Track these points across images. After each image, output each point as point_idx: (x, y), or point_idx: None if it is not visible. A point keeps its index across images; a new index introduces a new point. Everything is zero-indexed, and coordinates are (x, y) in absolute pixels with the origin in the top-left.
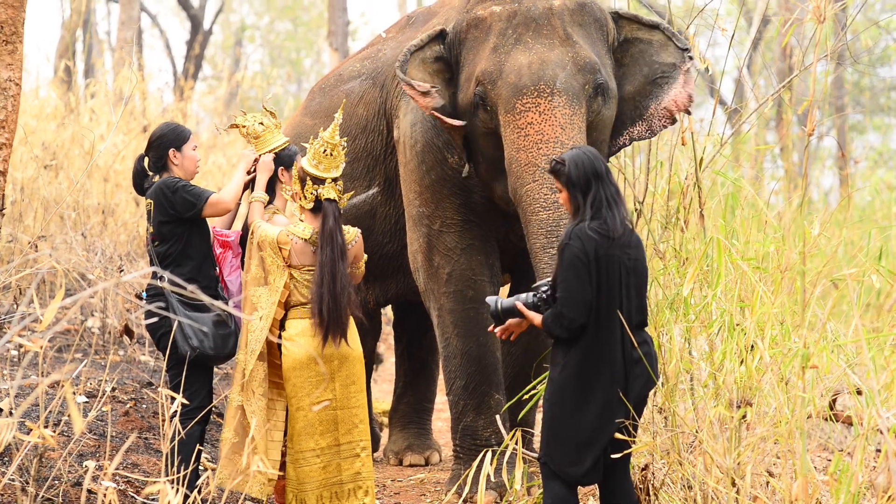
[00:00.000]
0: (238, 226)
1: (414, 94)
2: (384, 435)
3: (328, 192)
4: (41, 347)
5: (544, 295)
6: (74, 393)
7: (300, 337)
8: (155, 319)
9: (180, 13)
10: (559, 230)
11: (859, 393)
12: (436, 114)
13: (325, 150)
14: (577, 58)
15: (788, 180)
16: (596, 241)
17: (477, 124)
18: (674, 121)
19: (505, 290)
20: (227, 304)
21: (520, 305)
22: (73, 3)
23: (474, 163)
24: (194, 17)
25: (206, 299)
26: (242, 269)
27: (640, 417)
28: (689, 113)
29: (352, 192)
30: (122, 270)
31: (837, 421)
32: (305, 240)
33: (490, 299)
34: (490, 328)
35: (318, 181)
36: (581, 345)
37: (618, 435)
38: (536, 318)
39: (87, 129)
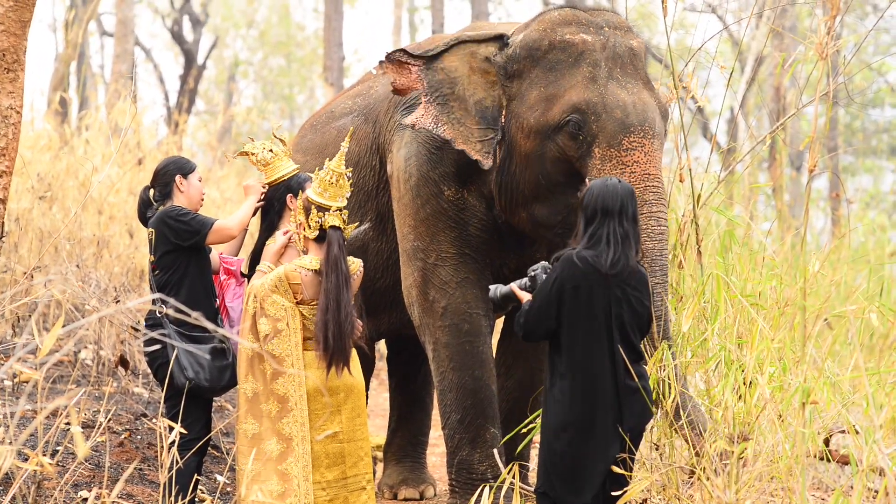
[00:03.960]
0: (244, 254)
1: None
2: (379, 469)
3: (333, 219)
4: (40, 376)
5: (533, 274)
6: (70, 423)
7: (306, 369)
8: (155, 347)
9: (174, 48)
10: (665, 259)
11: (857, 431)
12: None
13: (330, 179)
14: (659, 103)
15: (781, 220)
16: (579, 268)
17: (550, 147)
18: None
19: (499, 323)
20: (222, 336)
21: (515, 289)
22: (68, 35)
23: (504, 184)
24: (188, 52)
25: (209, 325)
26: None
27: (636, 450)
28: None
29: (356, 224)
30: (118, 301)
31: (832, 460)
32: (315, 271)
33: (491, 287)
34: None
35: (323, 210)
36: (571, 378)
37: (616, 469)
38: (526, 299)
39: (81, 160)
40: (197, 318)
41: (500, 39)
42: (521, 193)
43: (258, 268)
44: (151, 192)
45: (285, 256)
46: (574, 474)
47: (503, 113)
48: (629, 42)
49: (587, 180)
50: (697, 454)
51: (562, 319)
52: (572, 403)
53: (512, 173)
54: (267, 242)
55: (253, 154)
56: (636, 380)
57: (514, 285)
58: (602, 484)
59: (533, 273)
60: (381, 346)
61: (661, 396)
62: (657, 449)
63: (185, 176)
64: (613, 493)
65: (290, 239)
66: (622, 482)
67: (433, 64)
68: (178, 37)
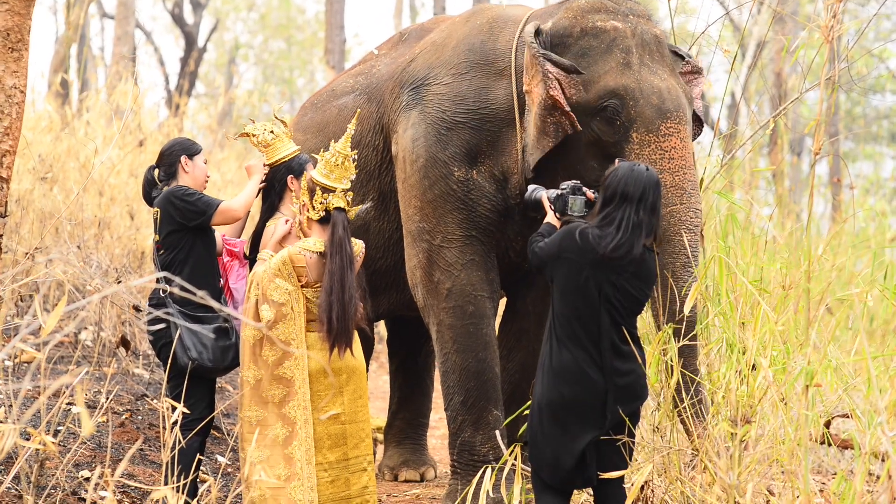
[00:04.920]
0: (246, 236)
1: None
2: (379, 451)
3: (338, 201)
4: (43, 356)
5: (561, 191)
6: (71, 404)
7: (309, 351)
8: (159, 327)
9: (175, 30)
10: (698, 250)
11: (860, 416)
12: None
13: (336, 161)
14: (685, 91)
15: (781, 206)
16: (577, 244)
17: (585, 132)
18: None
19: (501, 306)
20: (227, 315)
21: (545, 201)
22: (69, 17)
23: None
24: (189, 35)
25: (214, 304)
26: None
27: (634, 430)
28: None
29: (360, 205)
30: (119, 282)
31: (833, 444)
32: (319, 253)
33: (531, 187)
34: None
35: (328, 191)
36: (557, 358)
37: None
38: (551, 215)
39: (82, 142)
40: (203, 296)
41: (537, 33)
42: (553, 178)
43: (259, 256)
44: (156, 171)
45: (286, 242)
46: (554, 453)
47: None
48: (653, 30)
49: (617, 161)
50: (698, 436)
51: (556, 280)
52: (555, 383)
53: (547, 158)
54: (267, 224)
55: (254, 135)
56: (625, 362)
57: (544, 196)
58: (580, 464)
59: (562, 191)
60: (381, 330)
61: (663, 379)
62: (657, 431)
63: (190, 157)
64: (613, 475)
65: (290, 228)
66: (619, 465)
67: None
68: (178, 19)
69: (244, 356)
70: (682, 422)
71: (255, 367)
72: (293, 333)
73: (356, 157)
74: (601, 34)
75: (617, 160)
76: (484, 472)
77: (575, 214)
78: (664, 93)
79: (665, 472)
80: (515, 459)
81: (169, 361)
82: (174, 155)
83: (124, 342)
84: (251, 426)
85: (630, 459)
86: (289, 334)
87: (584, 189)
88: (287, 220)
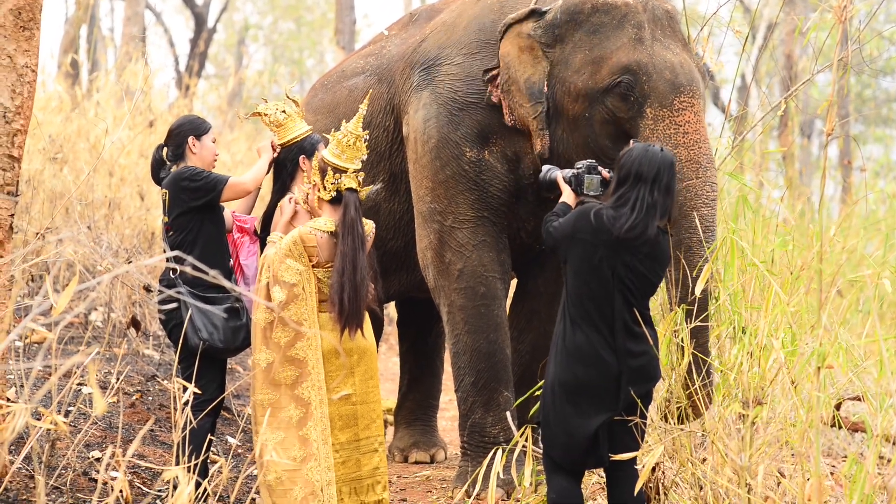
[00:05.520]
0: (257, 211)
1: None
2: (389, 432)
3: (349, 181)
4: (54, 336)
5: (577, 171)
6: (82, 384)
7: (321, 330)
8: (170, 306)
9: (184, 11)
10: (715, 225)
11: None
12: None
13: (348, 141)
14: (698, 65)
15: (792, 188)
16: (591, 224)
17: (598, 109)
18: None
19: (512, 287)
20: (239, 294)
21: (560, 181)
22: None
23: (551, 148)
24: (198, 15)
25: (226, 283)
26: (261, 253)
27: (647, 412)
28: None
29: (371, 186)
30: (130, 262)
31: (844, 427)
32: (330, 233)
33: (545, 168)
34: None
35: (340, 171)
36: (571, 339)
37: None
38: (566, 194)
39: (92, 122)
40: (215, 276)
41: (535, 13)
42: (569, 156)
43: (269, 238)
44: (165, 150)
45: (296, 222)
46: (566, 435)
47: (546, 81)
48: (664, 5)
49: (632, 142)
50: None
51: (569, 261)
52: (568, 366)
53: (560, 138)
54: (279, 204)
55: (266, 115)
56: (637, 344)
57: (559, 176)
58: (593, 445)
59: (577, 170)
60: (392, 311)
61: (674, 360)
62: (668, 413)
63: (198, 137)
64: (622, 457)
65: (296, 206)
66: (631, 446)
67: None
68: (188, 0)
69: (255, 339)
70: (690, 399)
71: (267, 349)
72: (305, 314)
73: (367, 137)
74: (612, 10)
75: (632, 141)
76: (494, 453)
77: (590, 194)
78: (677, 67)
79: (676, 453)
80: (526, 441)
81: (180, 342)
82: (182, 135)
83: (135, 323)
84: (264, 409)
85: (642, 441)
86: (301, 315)
87: (600, 168)
88: (290, 199)
